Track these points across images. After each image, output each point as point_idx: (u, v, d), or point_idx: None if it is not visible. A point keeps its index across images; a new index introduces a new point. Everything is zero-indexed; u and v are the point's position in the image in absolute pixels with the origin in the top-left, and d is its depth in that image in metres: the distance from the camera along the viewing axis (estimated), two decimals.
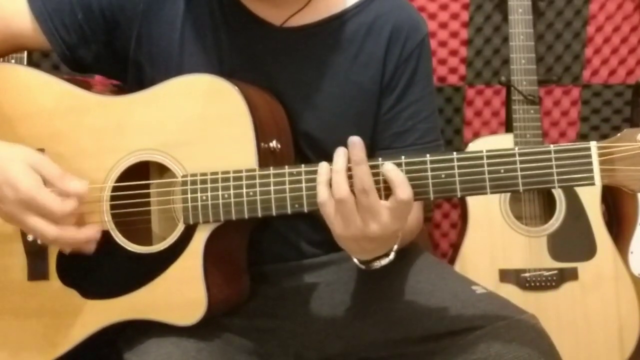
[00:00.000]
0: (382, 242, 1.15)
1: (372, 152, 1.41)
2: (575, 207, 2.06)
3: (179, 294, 1.22)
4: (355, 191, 1.09)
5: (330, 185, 1.11)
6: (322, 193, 1.11)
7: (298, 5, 1.34)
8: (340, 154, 1.12)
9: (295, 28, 1.36)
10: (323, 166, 1.13)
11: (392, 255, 1.21)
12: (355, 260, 1.23)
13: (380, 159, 1.11)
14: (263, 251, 1.39)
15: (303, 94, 1.36)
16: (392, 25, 1.38)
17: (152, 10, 1.35)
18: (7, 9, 1.38)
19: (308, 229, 1.38)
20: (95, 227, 1.24)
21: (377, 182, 1.10)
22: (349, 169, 1.10)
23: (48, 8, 1.35)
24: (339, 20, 1.37)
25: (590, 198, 2.06)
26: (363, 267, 1.23)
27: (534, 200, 2.09)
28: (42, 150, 1.29)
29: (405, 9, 1.44)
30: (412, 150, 1.38)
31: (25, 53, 2.07)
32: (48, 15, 1.35)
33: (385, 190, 1.10)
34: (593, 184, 1.06)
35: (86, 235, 1.22)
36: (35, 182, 1.19)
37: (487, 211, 2.07)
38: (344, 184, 1.09)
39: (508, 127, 2.16)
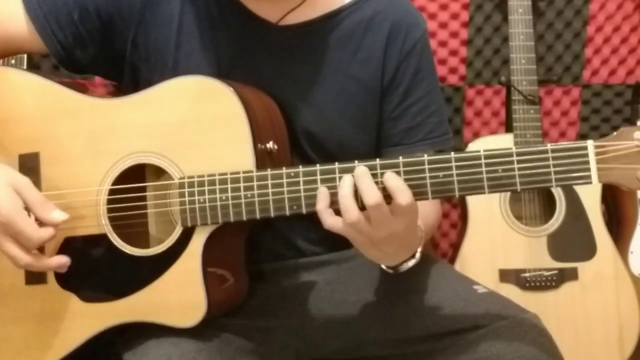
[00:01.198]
0: (399, 243, 1.16)
1: (378, 149, 1.42)
2: (575, 207, 2.06)
3: (178, 296, 1.22)
4: (366, 206, 1.09)
5: (331, 206, 1.11)
6: (327, 221, 1.12)
7: (295, 2, 1.34)
8: (345, 178, 1.11)
9: (293, 26, 1.36)
10: (322, 193, 1.12)
11: (417, 256, 1.23)
12: (383, 266, 1.24)
13: (378, 159, 1.11)
14: (262, 250, 1.39)
15: (302, 92, 1.36)
16: (391, 21, 1.39)
17: (149, 10, 1.35)
18: (2, 11, 1.38)
19: (306, 227, 1.38)
20: (65, 257, 1.24)
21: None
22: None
23: (44, 9, 1.35)
24: (337, 17, 1.37)
25: (590, 198, 2.06)
26: (391, 271, 1.24)
27: (534, 200, 2.09)
28: (36, 153, 1.29)
29: (403, 5, 1.44)
30: (422, 146, 1.39)
31: (26, 54, 2.07)
32: (44, 16, 1.35)
33: (384, 190, 1.10)
34: (590, 183, 1.06)
35: (57, 263, 1.23)
36: (16, 205, 1.19)
37: (487, 211, 2.07)
38: (354, 209, 1.09)
39: (508, 127, 2.16)
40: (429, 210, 1.32)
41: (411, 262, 1.23)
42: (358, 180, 1.09)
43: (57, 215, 1.21)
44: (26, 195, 1.21)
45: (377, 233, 1.10)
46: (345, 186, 1.10)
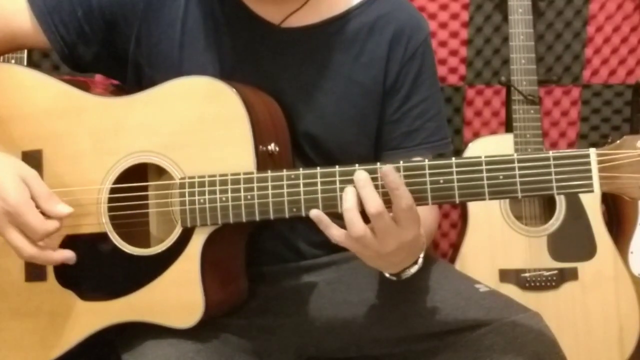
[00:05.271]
0: (405, 252, 1.15)
1: (377, 153, 1.42)
2: (575, 207, 2.05)
3: (177, 296, 1.22)
4: (368, 215, 1.08)
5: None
6: (337, 237, 1.11)
7: (297, 5, 1.34)
8: (348, 191, 1.11)
9: (296, 28, 1.36)
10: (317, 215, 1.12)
11: (420, 262, 1.22)
12: (386, 274, 1.24)
13: (378, 163, 1.11)
14: (262, 252, 1.39)
15: (304, 94, 1.36)
16: (395, 25, 1.39)
17: (152, 10, 1.35)
18: (6, 7, 1.38)
19: (307, 230, 1.37)
20: (71, 252, 1.24)
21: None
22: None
23: (48, 6, 1.35)
24: (340, 21, 1.37)
25: (590, 198, 2.06)
26: (394, 279, 1.24)
27: (534, 201, 2.09)
28: (39, 150, 1.29)
29: (406, 9, 1.44)
30: (421, 150, 1.40)
31: (25, 53, 2.08)
32: (48, 13, 1.35)
33: (385, 195, 1.10)
34: (592, 191, 1.06)
35: (61, 257, 1.23)
36: (24, 196, 1.19)
37: (487, 211, 2.07)
38: (360, 222, 1.08)
39: (508, 127, 2.15)
40: (426, 214, 1.32)
41: (414, 269, 1.23)
42: (360, 189, 1.09)
43: (62, 208, 1.21)
44: (33, 187, 1.21)
45: (384, 247, 1.10)
46: (348, 200, 1.09)
